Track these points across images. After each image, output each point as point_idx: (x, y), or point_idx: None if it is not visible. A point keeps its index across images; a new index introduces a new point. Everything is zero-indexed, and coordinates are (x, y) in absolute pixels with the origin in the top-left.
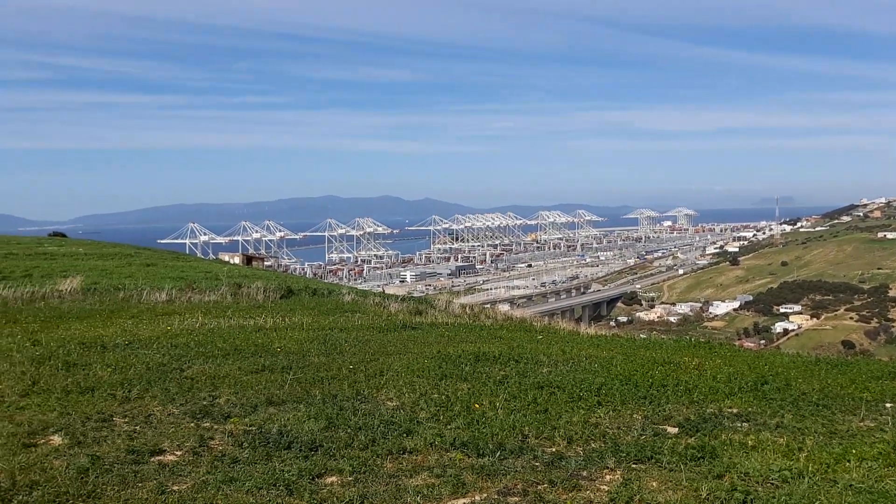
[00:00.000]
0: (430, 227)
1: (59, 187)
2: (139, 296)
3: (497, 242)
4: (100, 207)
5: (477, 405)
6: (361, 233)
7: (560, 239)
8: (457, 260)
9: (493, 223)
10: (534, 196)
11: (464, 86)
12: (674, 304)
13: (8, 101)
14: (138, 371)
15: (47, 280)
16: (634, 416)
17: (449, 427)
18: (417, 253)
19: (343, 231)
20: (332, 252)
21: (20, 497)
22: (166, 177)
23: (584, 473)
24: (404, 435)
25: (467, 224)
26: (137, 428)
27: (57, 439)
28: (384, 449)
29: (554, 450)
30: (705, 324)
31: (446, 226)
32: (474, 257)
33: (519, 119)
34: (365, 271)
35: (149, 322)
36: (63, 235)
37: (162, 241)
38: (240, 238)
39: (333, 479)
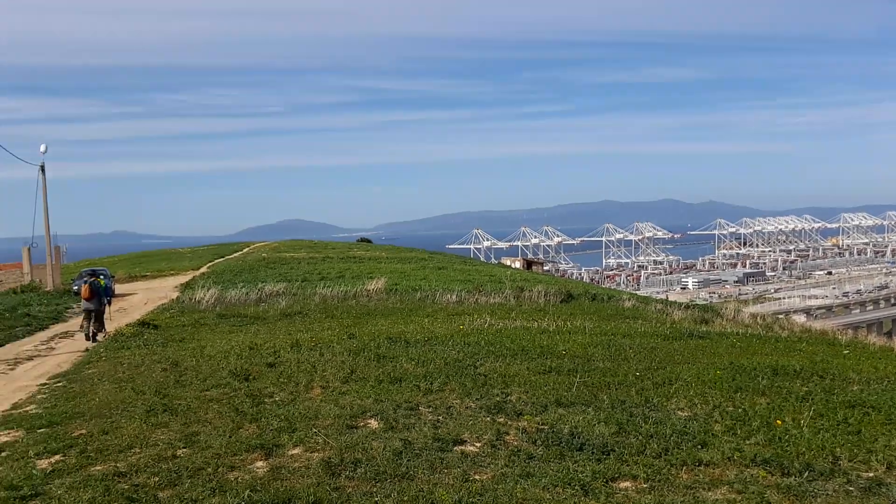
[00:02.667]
0: (715, 232)
1: (364, 198)
2: (433, 296)
3: (791, 248)
4: (397, 215)
5: (779, 421)
6: (640, 237)
7: (866, 244)
8: (744, 266)
9: (786, 227)
10: (834, 197)
11: (753, 80)
12: None
13: (325, 123)
14: (437, 365)
15: (356, 281)
16: None
17: (748, 442)
18: (700, 259)
19: (621, 236)
20: (609, 257)
21: (347, 473)
22: (455, 186)
23: None
24: (699, 447)
25: (757, 228)
26: (440, 418)
27: (374, 423)
28: (678, 459)
29: (871, 475)
30: None
31: (733, 230)
32: (764, 263)
33: (817, 113)
34: (643, 277)
35: (442, 321)
36: (369, 241)
37: (450, 246)
38: (519, 243)
39: (628, 484)
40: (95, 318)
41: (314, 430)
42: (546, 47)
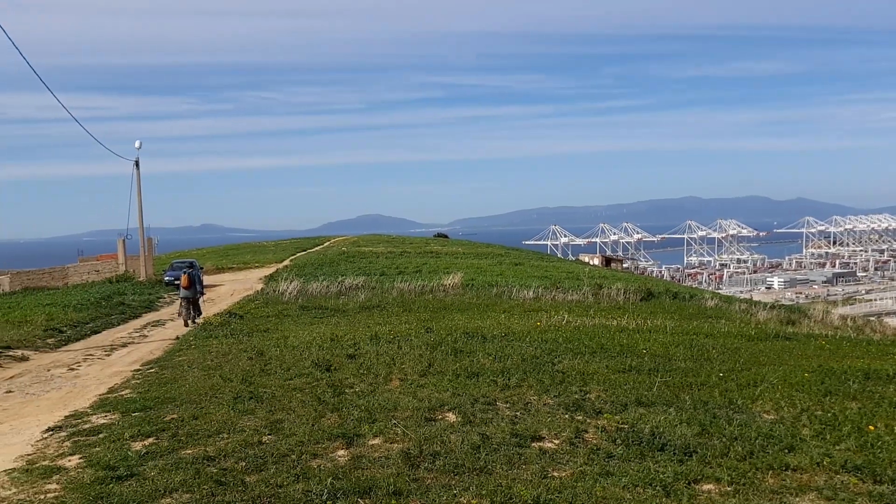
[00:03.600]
0: (803, 230)
1: (441, 193)
2: (509, 292)
3: (884, 247)
4: (474, 211)
5: (871, 427)
6: (724, 235)
7: None
8: (834, 266)
9: (879, 225)
10: None
11: (849, 74)
12: None
13: (405, 119)
14: (514, 361)
15: (433, 275)
16: None
17: (837, 448)
18: (786, 258)
19: (704, 233)
20: (691, 255)
21: (426, 464)
22: (532, 182)
23: None
24: (786, 451)
25: (847, 226)
26: (518, 414)
27: (451, 416)
28: (764, 463)
29: None
30: None
31: (822, 228)
32: (855, 263)
33: None
34: (726, 276)
35: (519, 317)
36: (445, 236)
37: (526, 242)
38: (598, 240)
39: (711, 486)
40: (192, 304)
41: (393, 421)
42: (629, 41)
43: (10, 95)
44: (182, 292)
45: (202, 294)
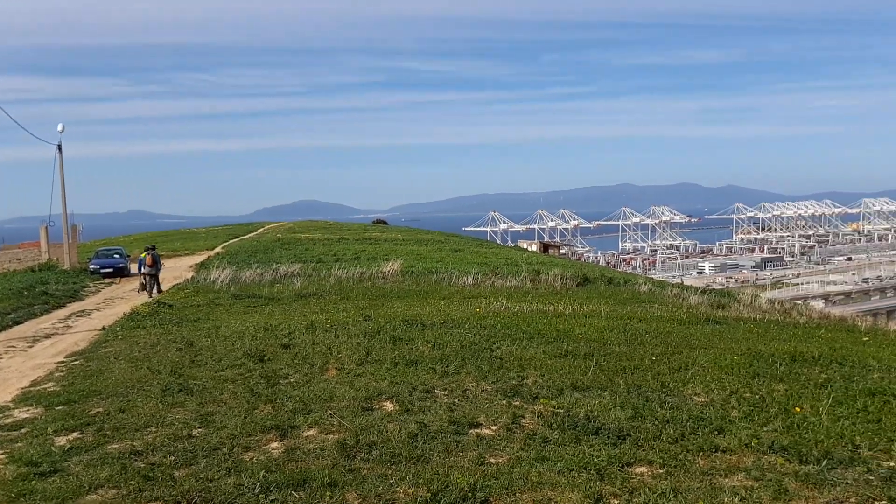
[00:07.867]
0: (733, 216)
1: (381, 179)
2: (449, 279)
3: (810, 233)
4: (413, 197)
5: (797, 408)
6: (657, 221)
7: (888, 230)
8: (762, 251)
9: (805, 212)
10: (856, 182)
11: (782, 64)
12: None
13: (345, 103)
14: (453, 348)
15: (372, 262)
16: None
17: (765, 429)
18: (717, 243)
19: (637, 220)
20: (625, 241)
21: (362, 454)
22: (472, 168)
23: None
24: (716, 433)
25: (775, 213)
26: (456, 401)
27: (389, 405)
28: (695, 445)
29: (892, 464)
30: None
31: (751, 214)
32: (783, 249)
33: (850, 96)
34: (659, 261)
35: (459, 303)
36: (385, 223)
37: (466, 229)
38: (536, 226)
39: (643, 469)
40: (155, 280)
41: (329, 411)
42: (569, 28)
43: None
44: (147, 270)
45: (160, 271)
